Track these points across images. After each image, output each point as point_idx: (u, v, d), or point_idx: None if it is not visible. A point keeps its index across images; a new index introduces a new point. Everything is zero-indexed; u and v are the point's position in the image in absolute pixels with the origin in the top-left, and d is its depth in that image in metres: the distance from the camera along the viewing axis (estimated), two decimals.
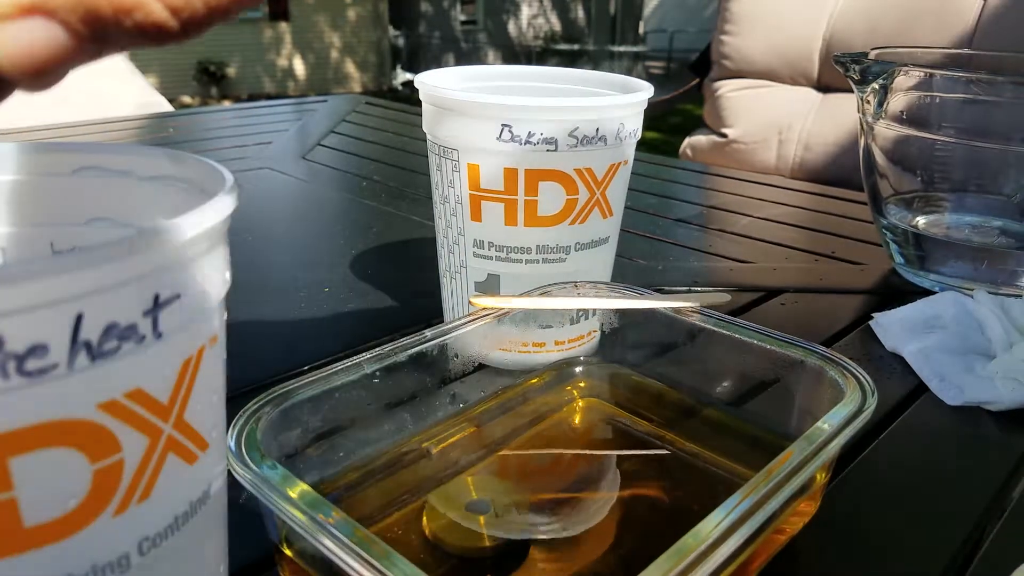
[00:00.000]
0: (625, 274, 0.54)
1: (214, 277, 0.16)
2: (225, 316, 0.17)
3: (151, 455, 0.15)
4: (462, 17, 11.38)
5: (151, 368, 0.15)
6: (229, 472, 0.22)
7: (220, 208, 0.15)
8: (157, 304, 0.14)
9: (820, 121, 1.20)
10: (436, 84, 0.38)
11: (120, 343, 0.14)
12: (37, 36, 0.12)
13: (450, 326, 0.32)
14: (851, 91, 0.55)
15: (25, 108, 0.99)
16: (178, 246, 0.14)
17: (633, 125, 0.38)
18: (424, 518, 0.28)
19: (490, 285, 0.39)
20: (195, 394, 0.16)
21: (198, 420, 0.16)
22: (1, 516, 0.13)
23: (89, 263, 0.13)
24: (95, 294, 0.13)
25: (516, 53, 11.17)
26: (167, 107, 1.24)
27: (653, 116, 0.45)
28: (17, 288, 0.12)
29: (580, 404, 0.36)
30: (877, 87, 0.52)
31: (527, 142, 0.35)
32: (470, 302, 0.33)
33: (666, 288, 0.52)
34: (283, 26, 9.31)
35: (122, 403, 0.14)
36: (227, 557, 0.19)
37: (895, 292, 0.53)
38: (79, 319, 0.13)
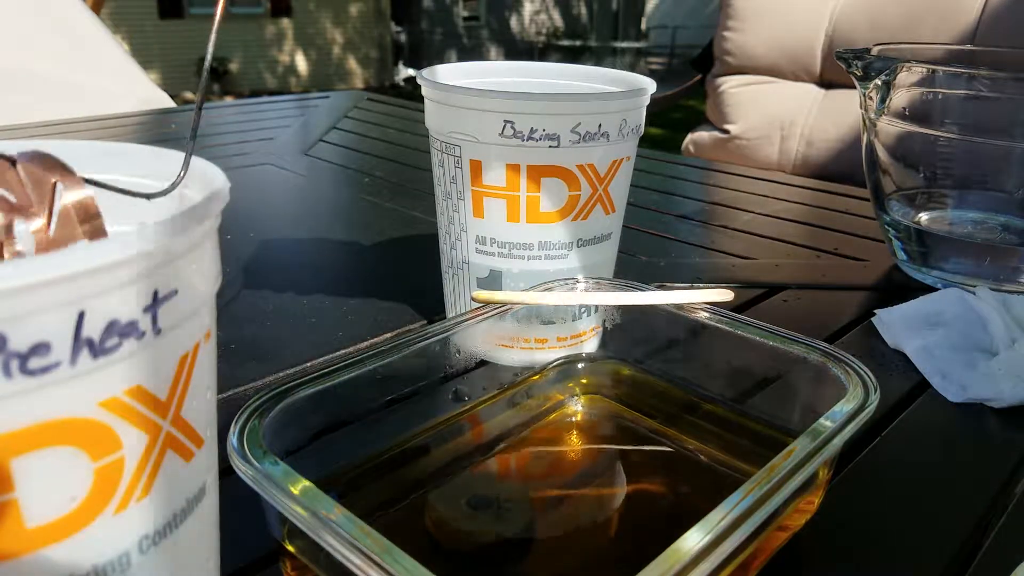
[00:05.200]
0: (627, 270, 0.54)
1: (207, 273, 0.16)
2: (216, 313, 0.17)
3: (151, 452, 0.15)
4: (464, 13, 11.36)
5: (151, 365, 0.15)
6: (231, 468, 0.22)
7: (214, 205, 0.15)
8: (156, 300, 0.14)
9: (822, 117, 1.20)
10: (438, 80, 0.38)
11: (121, 340, 0.14)
12: None
13: (452, 322, 0.32)
14: (853, 87, 0.54)
15: (24, 105, 0.99)
16: (176, 242, 0.14)
17: (635, 121, 0.38)
18: (426, 514, 0.28)
19: (492, 281, 0.39)
20: (191, 391, 0.16)
21: (194, 417, 0.16)
22: (3, 518, 0.13)
23: (91, 260, 0.13)
24: (97, 291, 0.13)
25: (518, 49, 11.15)
26: (169, 103, 1.24)
27: (655, 112, 0.45)
28: (19, 287, 0.12)
29: (582, 400, 0.36)
30: (880, 83, 0.51)
31: (529, 138, 0.35)
32: (472, 298, 0.33)
33: (668, 284, 0.52)
34: (285, 22, 9.30)
35: (123, 400, 0.14)
36: (218, 552, 0.19)
37: (897, 288, 0.53)
38: (81, 317, 0.13)
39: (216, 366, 0.18)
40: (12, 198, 0.17)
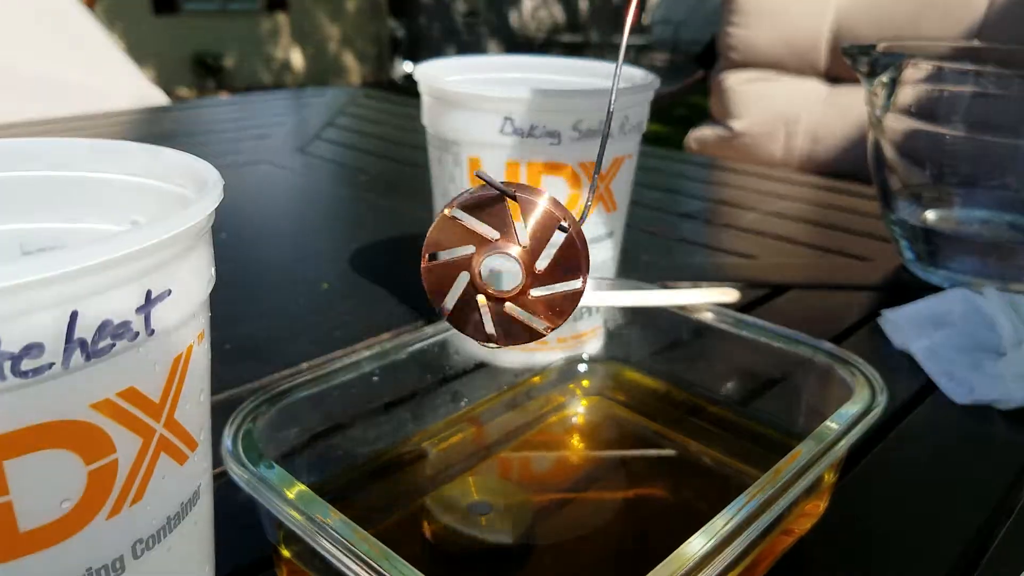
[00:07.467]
0: (630, 270, 0.53)
1: (201, 273, 0.16)
2: (209, 314, 0.17)
3: (144, 455, 0.15)
4: (463, 8, 11.37)
5: (144, 366, 0.15)
6: (225, 472, 0.22)
7: (207, 203, 0.15)
8: (149, 300, 0.14)
9: (828, 113, 1.20)
10: (436, 76, 0.37)
11: (114, 341, 0.14)
12: None
13: None
14: (859, 82, 0.54)
15: (19, 103, 0.99)
16: (169, 242, 0.14)
17: (638, 118, 0.38)
18: (424, 519, 0.27)
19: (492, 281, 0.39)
20: (184, 393, 0.16)
21: (188, 419, 0.16)
22: None
23: (83, 260, 0.13)
24: (89, 292, 0.13)
25: (518, 44, 11.15)
26: (163, 100, 1.24)
27: (658, 108, 0.45)
28: (11, 287, 0.12)
29: (583, 402, 0.36)
30: (886, 80, 0.51)
31: (529, 135, 0.35)
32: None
33: (672, 284, 0.52)
34: (281, 17, 9.29)
35: (115, 402, 0.14)
36: (213, 557, 0.19)
37: (904, 288, 0.52)
38: (73, 317, 0.13)
39: (210, 367, 0.17)
40: (492, 233, 0.18)
